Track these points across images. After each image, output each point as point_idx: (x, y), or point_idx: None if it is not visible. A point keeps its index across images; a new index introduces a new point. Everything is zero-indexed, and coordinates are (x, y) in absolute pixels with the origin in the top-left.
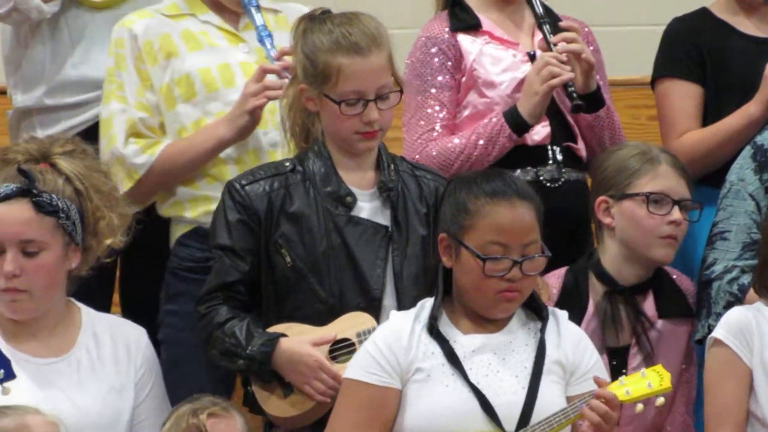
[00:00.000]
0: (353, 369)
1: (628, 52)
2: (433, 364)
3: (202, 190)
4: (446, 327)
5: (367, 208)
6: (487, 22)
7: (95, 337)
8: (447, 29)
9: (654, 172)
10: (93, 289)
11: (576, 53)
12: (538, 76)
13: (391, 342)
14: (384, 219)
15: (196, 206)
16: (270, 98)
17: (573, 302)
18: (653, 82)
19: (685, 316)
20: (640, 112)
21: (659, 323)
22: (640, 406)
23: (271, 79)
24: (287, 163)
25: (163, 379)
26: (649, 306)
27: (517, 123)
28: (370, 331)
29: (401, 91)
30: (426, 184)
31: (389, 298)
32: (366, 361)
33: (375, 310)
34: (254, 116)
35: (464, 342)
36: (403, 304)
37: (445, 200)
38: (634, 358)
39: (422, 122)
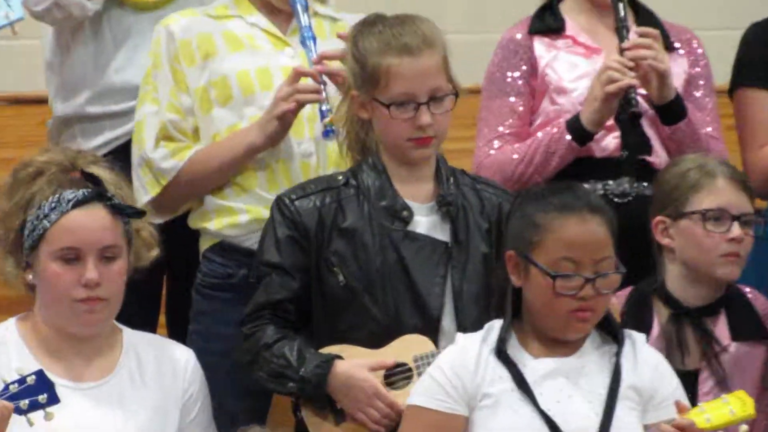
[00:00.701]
0: (417, 395)
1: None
2: (502, 389)
3: (229, 201)
4: (515, 350)
5: (425, 222)
6: (572, 25)
7: (138, 358)
8: (524, 32)
9: (710, 187)
10: (134, 311)
11: (640, 59)
12: (598, 81)
13: (457, 366)
14: (443, 235)
15: (221, 217)
16: (300, 102)
17: (637, 324)
18: (731, 91)
19: (761, 337)
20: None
21: (732, 346)
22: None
23: (306, 83)
24: (340, 177)
25: None
26: (721, 328)
27: (578, 131)
28: (428, 356)
29: (456, 95)
30: (488, 198)
31: (448, 319)
32: (431, 386)
33: (433, 331)
34: (284, 121)
35: (534, 366)
36: (463, 326)
37: (512, 215)
38: (705, 383)
39: (491, 128)
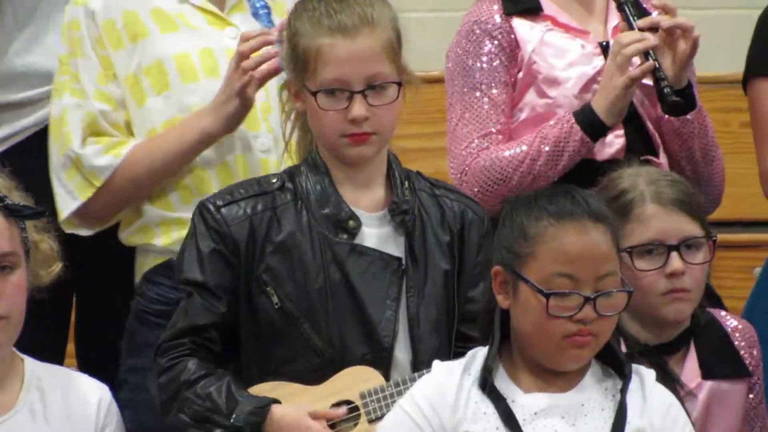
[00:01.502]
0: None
1: (718, 43)
2: (486, 427)
3: (176, 211)
4: (503, 382)
5: (375, 235)
6: (549, 5)
7: (42, 394)
8: (500, 12)
9: (637, 216)
10: (38, 338)
11: (675, 28)
12: (615, 65)
13: (434, 399)
14: (396, 249)
15: (169, 231)
16: (262, 76)
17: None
18: (745, 81)
19: (738, 375)
20: (731, 117)
21: (705, 386)
22: None
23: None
24: (274, 180)
25: None
26: (691, 365)
27: (592, 124)
28: (377, 391)
29: (400, 84)
30: (449, 206)
31: (402, 349)
32: (403, 422)
33: (384, 362)
34: (245, 99)
35: (524, 402)
36: (419, 357)
37: (500, 225)
38: None
39: (470, 127)
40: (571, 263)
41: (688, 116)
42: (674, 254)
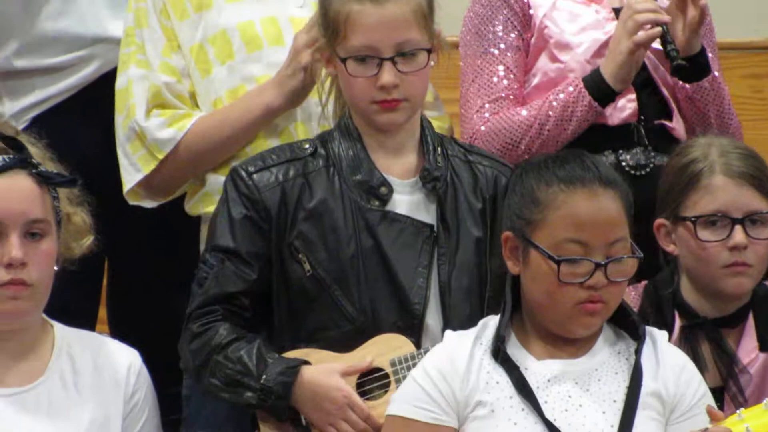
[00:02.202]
0: (399, 404)
1: (749, 9)
2: (499, 396)
3: None
4: (515, 351)
5: (407, 201)
6: None
7: (72, 361)
8: None
9: (705, 186)
10: (70, 302)
11: None
12: (624, 29)
13: (446, 369)
14: (428, 216)
15: None
16: None
17: (654, 326)
18: None
19: None
20: (763, 83)
21: (760, 359)
22: None
23: None
24: (307, 145)
25: None
26: (748, 338)
27: (600, 89)
28: (408, 359)
29: (429, 51)
30: (482, 172)
31: (433, 316)
32: (415, 393)
33: (415, 330)
34: (312, 74)
35: (537, 369)
36: (451, 324)
37: (510, 191)
38: (729, 406)
39: (482, 91)
40: (582, 229)
41: (703, 82)
42: (738, 227)
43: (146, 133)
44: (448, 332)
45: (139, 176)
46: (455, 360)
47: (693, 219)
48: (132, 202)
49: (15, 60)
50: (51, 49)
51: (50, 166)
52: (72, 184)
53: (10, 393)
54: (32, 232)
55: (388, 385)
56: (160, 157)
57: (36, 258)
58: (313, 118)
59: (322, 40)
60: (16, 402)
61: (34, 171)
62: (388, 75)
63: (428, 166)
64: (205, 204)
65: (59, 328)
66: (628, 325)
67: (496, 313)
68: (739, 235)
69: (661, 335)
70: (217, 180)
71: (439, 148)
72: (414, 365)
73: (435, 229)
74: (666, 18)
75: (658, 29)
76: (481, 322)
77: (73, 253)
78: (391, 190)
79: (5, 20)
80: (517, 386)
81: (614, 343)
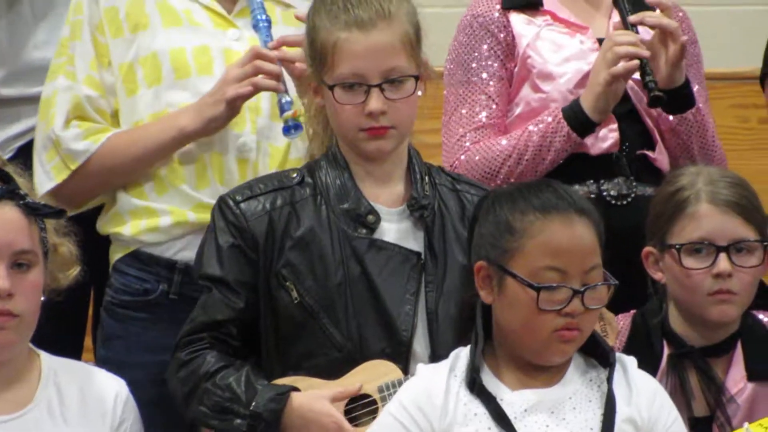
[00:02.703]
0: None
1: (737, 38)
2: (478, 428)
3: (148, 201)
4: (489, 381)
5: (395, 230)
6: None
7: (59, 390)
8: (497, 6)
9: (690, 214)
10: (53, 333)
11: (661, 29)
12: (603, 61)
13: (422, 402)
14: (415, 244)
15: (138, 220)
16: (258, 88)
17: (643, 355)
18: (762, 78)
19: None
20: (750, 113)
21: (748, 388)
22: None
23: (267, 65)
24: (294, 174)
25: None
26: (736, 367)
27: (579, 119)
28: (395, 385)
29: (417, 78)
30: (469, 200)
31: (420, 344)
32: (391, 427)
33: (403, 357)
34: (233, 107)
35: (513, 400)
36: (437, 352)
37: (481, 219)
38: None
39: (463, 120)
40: (560, 256)
41: (687, 114)
42: (722, 255)
43: (61, 143)
44: (420, 365)
45: (50, 185)
46: (432, 393)
47: (678, 246)
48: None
49: (2, 89)
50: (37, 78)
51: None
52: (59, 216)
53: None
54: (19, 263)
55: (375, 411)
56: (73, 167)
57: (22, 289)
58: (230, 150)
59: (309, 70)
60: (3, 430)
61: (21, 202)
62: (375, 102)
63: (416, 194)
64: (113, 224)
65: (45, 357)
66: (597, 353)
67: (465, 344)
68: (723, 262)
69: (630, 361)
70: (128, 201)
71: (426, 177)
72: None
73: (422, 256)
74: (645, 53)
75: (636, 62)
76: (452, 354)
77: (59, 283)
78: (378, 218)
79: None
80: (495, 418)
81: (585, 371)
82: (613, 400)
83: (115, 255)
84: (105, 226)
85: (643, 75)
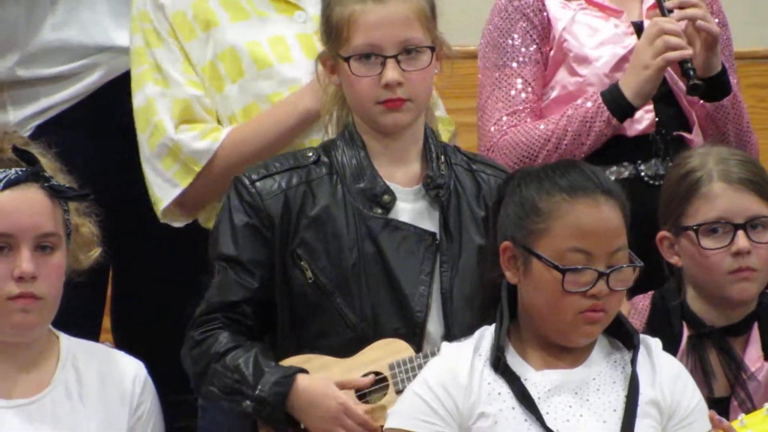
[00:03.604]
0: (399, 417)
1: (753, 19)
2: (502, 408)
3: None
4: (513, 361)
5: (410, 209)
6: None
7: (77, 372)
8: None
9: (704, 195)
10: (73, 314)
11: (696, 21)
12: (651, 47)
13: (447, 381)
14: (431, 224)
15: None
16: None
17: (662, 335)
18: None
19: None
20: (766, 92)
21: (765, 367)
22: None
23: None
24: (310, 153)
25: None
26: (754, 347)
27: (619, 105)
28: (406, 363)
29: (433, 50)
30: (485, 180)
31: (435, 324)
32: (415, 405)
33: (417, 337)
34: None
35: (537, 380)
36: (452, 332)
37: (506, 200)
38: (735, 413)
39: (500, 104)
40: (586, 238)
41: (724, 101)
42: (740, 233)
43: (181, 146)
44: (445, 344)
45: (176, 191)
46: (457, 372)
47: (695, 228)
48: (164, 220)
49: (18, 70)
50: (54, 59)
51: (60, 178)
52: (83, 199)
53: (16, 404)
54: (43, 246)
55: (386, 388)
56: (197, 169)
57: (46, 271)
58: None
59: (326, 48)
60: (22, 413)
61: (46, 184)
62: (392, 72)
63: (431, 173)
64: None
65: (65, 339)
66: (622, 335)
67: (488, 323)
68: (742, 240)
69: (655, 343)
70: None
71: (442, 156)
72: (413, 368)
73: (437, 237)
74: (689, 52)
75: (690, 51)
76: (477, 332)
77: (81, 265)
78: (393, 198)
79: (9, 31)
80: (519, 397)
81: (610, 353)
82: (637, 381)
83: None
84: (209, 221)
85: (682, 63)
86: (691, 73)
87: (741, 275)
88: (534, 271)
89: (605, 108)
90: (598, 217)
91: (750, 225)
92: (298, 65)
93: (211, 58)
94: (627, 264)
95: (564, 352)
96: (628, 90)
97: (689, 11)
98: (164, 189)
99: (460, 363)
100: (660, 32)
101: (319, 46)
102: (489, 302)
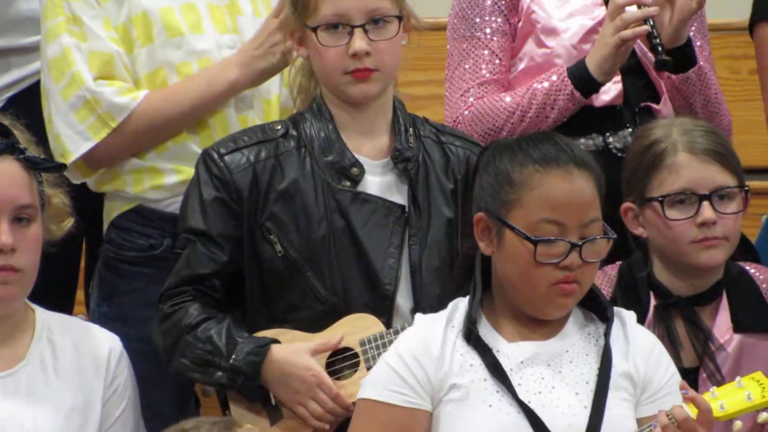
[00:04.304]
0: (371, 387)
1: None
2: (474, 379)
3: (149, 161)
4: (486, 332)
5: (378, 182)
6: None
7: (52, 345)
8: None
9: (669, 166)
10: (48, 285)
11: None
12: (612, 24)
13: (419, 353)
14: (399, 197)
15: (141, 179)
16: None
17: (630, 306)
18: (752, 26)
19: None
20: (740, 64)
21: (735, 339)
22: (738, 424)
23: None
24: (278, 127)
25: None
26: (722, 317)
27: (584, 79)
28: (377, 338)
29: (400, 19)
30: (454, 152)
31: (404, 297)
32: (387, 377)
33: (386, 310)
34: (287, 59)
35: (509, 351)
36: (421, 305)
37: (481, 171)
38: (705, 385)
39: (467, 76)
40: (559, 209)
41: (689, 73)
42: (705, 203)
43: (100, 99)
44: (419, 315)
45: (88, 145)
46: (429, 343)
47: (660, 199)
48: (66, 174)
49: None
50: (26, 29)
51: (33, 150)
52: (59, 170)
53: None
54: (20, 218)
55: (357, 364)
56: (113, 125)
57: (24, 243)
58: (230, 107)
59: (292, 18)
60: None
61: (21, 156)
62: (359, 42)
63: (400, 146)
64: (112, 182)
65: (40, 312)
66: (596, 308)
67: (462, 295)
68: (707, 211)
69: (629, 316)
70: (127, 160)
71: (411, 129)
72: (383, 345)
73: (406, 209)
74: (653, 10)
75: (646, 27)
76: (451, 304)
77: (54, 235)
78: (362, 171)
79: None
80: (491, 369)
81: (584, 326)
82: (610, 354)
83: (113, 212)
84: (102, 184)
85: (650, 37)
86: (660, 48)
87: (707, 243)
88: (507, 243)
89: (569, 82)
90: (570, 189)
91: (716, 195)
92: (208, 38)
93: (124, 20)
94: (600, 236)
95: (538, 324)
96: (592, 65)
97: None
98: (75, 142)
99: (433, 334)
100: (619, 9)
101: (228, 21)
102: (463, 274)
